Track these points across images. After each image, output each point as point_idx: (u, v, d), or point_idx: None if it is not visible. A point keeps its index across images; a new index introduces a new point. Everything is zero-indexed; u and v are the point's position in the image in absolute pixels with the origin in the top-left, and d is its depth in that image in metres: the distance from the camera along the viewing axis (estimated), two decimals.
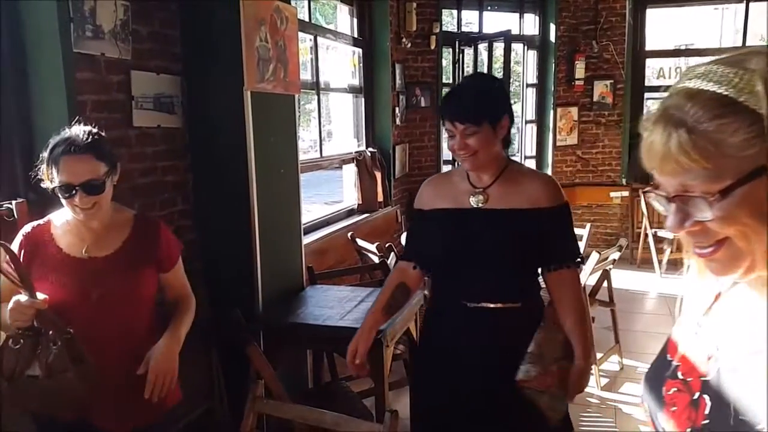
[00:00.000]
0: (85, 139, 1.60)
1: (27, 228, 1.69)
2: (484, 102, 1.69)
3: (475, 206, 1.73)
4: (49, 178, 1.59)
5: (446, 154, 6.25)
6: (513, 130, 1.82)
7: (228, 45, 2.55)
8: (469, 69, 5.85)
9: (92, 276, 1.64)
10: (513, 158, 1.92)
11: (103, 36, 2.21)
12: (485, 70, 5.69)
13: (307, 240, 3.50)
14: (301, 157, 3.29)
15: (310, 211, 5.41)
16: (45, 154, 1.60)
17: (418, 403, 1.95)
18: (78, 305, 1.61)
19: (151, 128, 2.52)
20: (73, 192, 1.56)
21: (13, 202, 1.97)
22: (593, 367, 3.57)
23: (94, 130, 1.67)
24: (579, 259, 1.79)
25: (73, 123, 1.68)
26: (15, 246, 1.63)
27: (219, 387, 2.72)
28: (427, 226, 1.83)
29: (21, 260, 1.57)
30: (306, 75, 4.04)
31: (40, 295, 1.51)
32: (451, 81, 5.93)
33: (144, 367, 1.64)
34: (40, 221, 1.71)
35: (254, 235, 2.69)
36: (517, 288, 1.75)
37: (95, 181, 1.58)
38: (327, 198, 9.59)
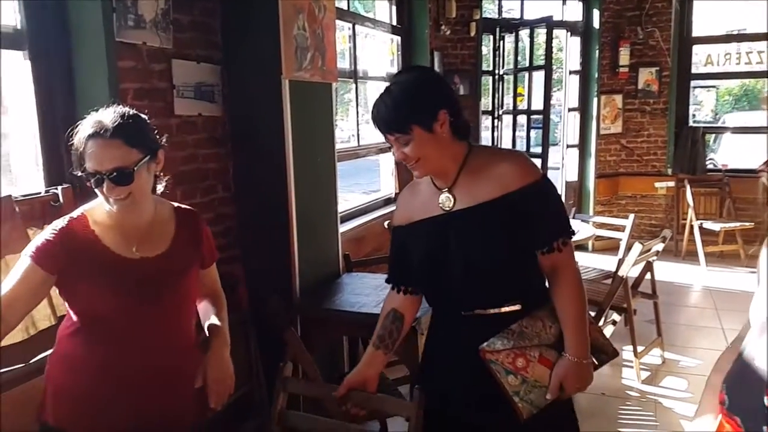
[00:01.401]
0: (114, 122, 1.42)
1: (61, 223, 1.50)
2: (405, 105, 1.48)
3: (444, 211, 1.57)
4: (79, 163, 1.44)
5: (486, 141, 6.19)
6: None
7: (266, 34, 2.57)
8: (509, 57, 5.76)
9: (145, 278, 1.50)
10: (478, 144, 1.71)
11: (145, 25, 2.25)
12: (527, 58, 5.60)
13: (344, 228, 3.52)
14: (340, 146, 3.30)
15: (348, 200, 5.43)
16: (73, 137, 1.45)
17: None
18: (128, 310, 1.49)
19: (192, 116, 2.56)
20: (101, 181, 1.41)
21: (59, 187, 2.03)
22: (634, 360, 3.50)
23: (130, 112, 1.49)
24: (566, 237, 1.56)
25: (108, 105, 1.52)
26: (54, 237, 1.46)
27: (257, 371, 2.78)
28: (405, 243, 1.66)
29: (59, 258, 1.44)
30: (344, 64, 4.04)
31: None
32: (491, 68, 5.85)
33: (201, 380, 1.58)
34: (73, 214, 1.53)
35: (291, 223, 2.72)
36: (514, 289, 1.57)
37: (124, 170, 1.40)
38: (366, 187, 9.60)
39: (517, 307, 1.56)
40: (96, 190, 1.45)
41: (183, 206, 1.69)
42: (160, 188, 1.60)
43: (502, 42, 5.80)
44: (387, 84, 1.57)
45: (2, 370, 1.74)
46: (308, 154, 2.81)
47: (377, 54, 4.89)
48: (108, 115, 1.44)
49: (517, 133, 5.86)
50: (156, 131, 1.56)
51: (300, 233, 2.77)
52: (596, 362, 1.60)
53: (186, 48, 2.50)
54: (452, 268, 1.54)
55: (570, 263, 1.58)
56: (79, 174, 1.44)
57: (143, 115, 1.53)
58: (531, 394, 1.51)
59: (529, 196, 1.50)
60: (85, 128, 1.43)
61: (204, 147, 2.66)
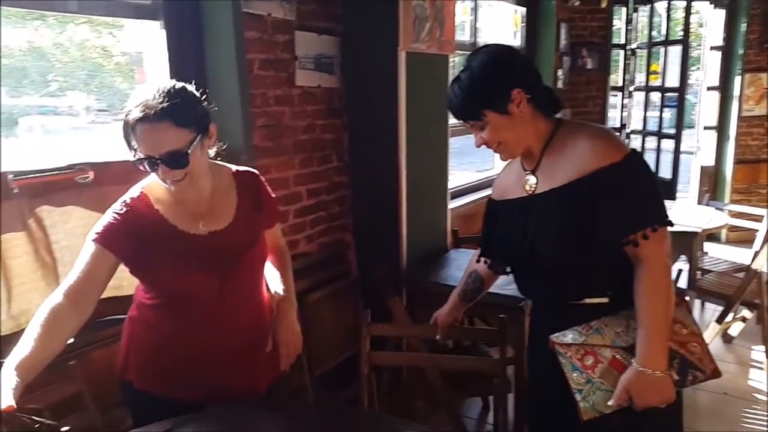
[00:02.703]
0: (160, 102, 1.33)
1: (123, 204, 1.47)
2: (474, 90, 1.41)
3: (528, 193, 1.49)
4: (131, 147, 1.39)
5: (613, 120, 5.86)
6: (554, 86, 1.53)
7: (385, 4, 2.58)
8: (644, 30, 5.38)
9: (217, 252, 1.50)
10: (571, 120, 1.55)
11: None
12: (663, 32, 5.20)
13: (454, 204, 3.51)
14: (454, 120, 3.27)
15: (460, 178, 5.38)
16: (122, 120, 1.37)
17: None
18: (205, 286, 1.49)
19: (312, 88, 2.64)
20: (156, 165, 1.37)
21: (87, 162, 2.08)
22: (764, 361, 3.22)
23: (177, 87, 1.39)
24: (654, 226, 1.36)
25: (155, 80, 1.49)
26: (118, 218, 1.44)
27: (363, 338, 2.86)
28: (494, 219, 1.62)
29: (127, 241, 1.43)
30: (464, 36, 3.98)
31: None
32: (622, 42, 5.50)
33: (271, 343, 1.61)
34: (132, 194, 1.49)
35: (401, 195, 2.75)
36: (597, 281, 1.45)
37: (178, 152, 1.35)
38: (479, 166, 9.46)
39: (602, 300, 1.44)
40: (152, 173, 1.41)
41: (241, 169, 1.64)
42: (212, 152, 1.53)
43: (635, 14, 5.42)
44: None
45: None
46: (421, 127, 2.82)
47: (500, 26, 4.76)
48: (154, 95, 1.35)
49: (648, 113, 5.49)
50: (206, 102, 1.47)
51: (409, 205, 2.79)
52: (676, 377, 1.38)
53: (308, 19, 2.57)
54: (522, 255, 1.48)
55: (655, 258, 1.37)
56: (133, 158, 1.39)
57: (190, 88, 1.43)
58: (594, 395, 1.40)
59: (606, 179, 1.35)
60: (132, 110, 1.35)
61: (321, 118, 2.74)
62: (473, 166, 9.80)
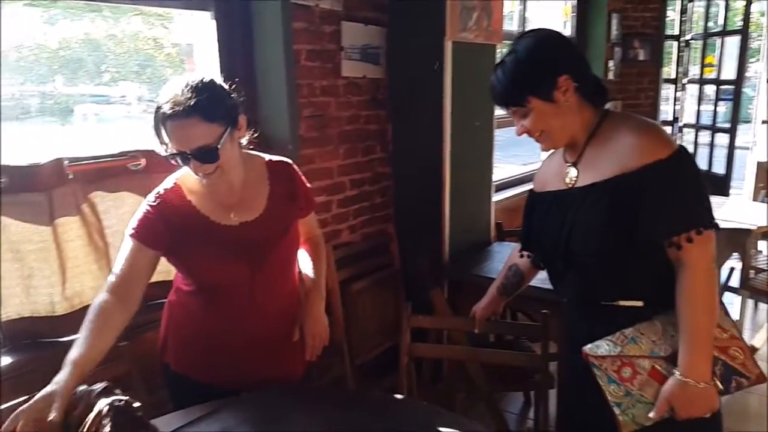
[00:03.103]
0: (188, 98, 1.34)
1: (156, 195, 1.50)
2: (519, 75, 1.34)
3: (567, 186, 1.43)
4: (161, 143, 1.41)
5: (665, 113, 5.69)
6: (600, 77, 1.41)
7: None
8: (699, 21, 5.19)
9: (248, 242, 1.52)
10: (618, 111, 1.48)
11: None
12: (720, 23, 5.01)
13: (499, 197, 3.47)
14: (500, 111, 3.22)
15: (505, 170, 5.31)
16: (152, 116, 1.40)
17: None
18: (236, 276, 1.52)
19: (357, 78, 2.65)
20: (187, 159, 1.39)
21: (140, 150, 2.12)
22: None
23: (205, 80, 1.39)
24: (698, 229, 1.28)
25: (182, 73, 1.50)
26: (152, 211, 1.48)
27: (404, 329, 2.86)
28: (534, 210, 1.57)
29: (161, 232, 1.47)
30: (512, 26, 3.92)
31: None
32: (676, 33, 5.32)
33: (297, 333, 1.63)
34: (166, 185, 1.52)
35: (444, 186, 2.73)
36: (636, 282, 1.37)
37: (208, 148, 1.37)
38: (525, 159, 9.32)
39: (637, 304, 1.37)
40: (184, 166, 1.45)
41: (275, 158, 1.64)
42: (244, 141, 1.53)
43: (690, 4, 5.23)
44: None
45: None
46: (466, 118, 2.79)
47: (549, 16, 4.67)
48: (182, 90, 1.35)
49: (702, 106, 5.31)
50: (234, 94, 1.47)
51: (453, 197, 2.77)
52: (720, 386, 1.33)
53: (355, 10, 2.57)
54: (556, 250, 1.42)
55: (699, 262, 1.29)
56: (164, 153, 1.42)
57: (219, 81, 1.44)
58: (634, 408, 1.33)
59: (650, 176, 1.27)
60: (162, 106, 1.36)
61: (366, 108, 2.74)
62: (519, 159, 9.65)
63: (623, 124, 1.37)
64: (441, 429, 1.42)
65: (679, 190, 1.29)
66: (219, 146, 1.38)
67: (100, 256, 1.90)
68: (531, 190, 1.63)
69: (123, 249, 1.47)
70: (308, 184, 1.69)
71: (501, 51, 3.01)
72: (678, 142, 1.36)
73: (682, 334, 1.30)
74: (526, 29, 3.94)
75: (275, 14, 2.21)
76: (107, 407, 1.14)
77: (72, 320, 1.82)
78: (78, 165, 1.83)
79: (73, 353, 1.29)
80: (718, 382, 1.32)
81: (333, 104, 2.55)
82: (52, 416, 1.16)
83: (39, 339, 1.79)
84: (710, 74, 5.41)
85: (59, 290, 1.80)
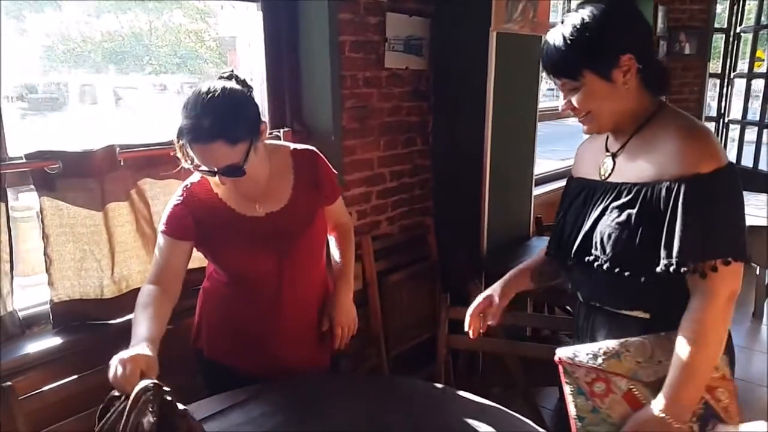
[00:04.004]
0: (211, 121, 1.33)
1: (184, 190, 1.54)
2: (579, 43, 1.19)
3: (602, 178, 1.32)
4: (186, 158, 1.44)
5: (711, 109, 5.54)
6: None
7: None
8: (751, 15, 5.03)
9: (275, 233, 1.54)
10: (673, 107, 1.29)
11: None
12: None
13: (538, 191, 3.43)
14: (541, 105, 3.18)
15: (543, 165, 5.25)
16: (175, 134, 1.40)
17: None
18: (263, 266, 1.55)
19: (400, 70, 2.64)
20: (214, 173, 1.41)
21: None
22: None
23: (226, 93, 1.38)
24: (726, 259, 1.14)
25: (201, 81, 1.43)
26: (180, 206, 1.52)
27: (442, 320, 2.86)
28: (565, 198, 1.45)
29: (191, 225, 1.50)
30: (555, 17, 3.85)
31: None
32: (725, 26, 5.17)
33: (327, 323, 1.66)
34: (193, 179, 1.55)
35: (485, 179, 2.71)
36: (646, 294, 1.24)
37: (234, 166, 1.39)
38: (563, 155, 9.18)
39: (644, 315, 1.26)
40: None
41: (299, 147, 1.64)
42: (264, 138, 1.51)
43: None
44: None
45: None
46: (509, 110, 2.76)
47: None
48: (202, 108, 1.34)
49: (749, 103, 5.15)
50: (253, 101, 1.46)
51: (492, 191, 2.75)
52: (695, 429, 1.19)
53: (399, 1, 2.56)
54: (572, 241, 1.32)
55: (718, 295, 1.15)
56: (189, 167, 1.44)
57: (237, 90, 1.42)
58: (597, 426, 1.24)
59: (685, 190, 1.14)
60: (183, 127, 1.36)
61: (407, 100, 2.74)
62: (556, 154, 9.52)
63: (673, 122, 1.22)
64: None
65: (716, 210, 1.15)
66: (245, 165, 1.40)
67: (147, 242, 1.94)
68: (570, 175, 1.52)
69: (158, 243, 1.53)
70: (334, 171, 1.69)
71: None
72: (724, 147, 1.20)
73: (676, 365, 1.17)
74: None
75: (322, 5, 2.23)
76: (148, 394, 1.12)
77: (119, 304, 1.87)
78: (128, 152, 1.87)
79: (142, 333, 1.33)
80: (695, 426, 1.19)
81: (375, 95, 2.56)
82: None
83: (87, 321, 1.84)
84: (759, 68, 5.24)
85: (108, 274, 1.85)
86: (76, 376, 1.58)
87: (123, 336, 1.37)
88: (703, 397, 1.19)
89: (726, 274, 1.14)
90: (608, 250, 1.23)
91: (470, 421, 1.42)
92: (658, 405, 1.17)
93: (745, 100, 5.17)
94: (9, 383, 1.45)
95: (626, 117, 1.27)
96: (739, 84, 5.31)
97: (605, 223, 1.24)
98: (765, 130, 4.96)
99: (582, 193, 1.36)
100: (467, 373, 2.54)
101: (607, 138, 1.35)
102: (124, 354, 1.21)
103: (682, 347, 1.16)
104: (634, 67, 1.20)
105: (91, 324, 1.84)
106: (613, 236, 1.22)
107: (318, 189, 1.63)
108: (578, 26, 1.20)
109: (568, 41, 1.20)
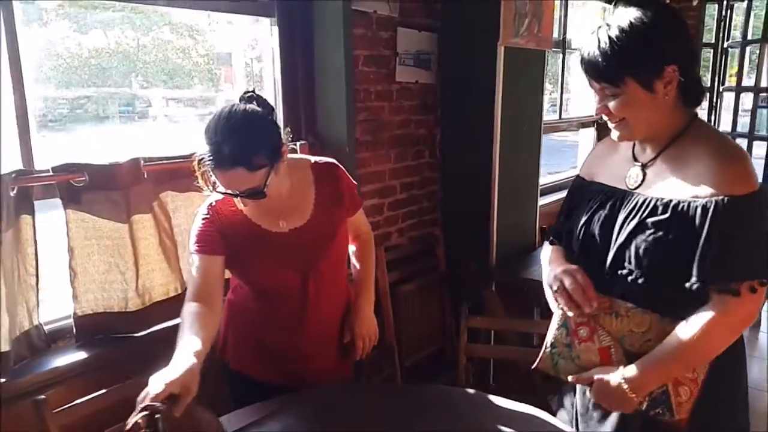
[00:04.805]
0: (230, 151, 1.33)
1: (211, 208, 1.55)
2: (625, 49, 1.16)
3: (629, 187, 1.30)
4: (207, 183, 1.46)
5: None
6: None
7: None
8: (737, 29, 5.16)
9: (299, 248, 1.56)
10: (704, 121, 1.29)
11: None
12: (761, 29, 4.97)
13: (541, 201, 3.47)
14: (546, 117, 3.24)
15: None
16: (196, 159, 1.41)
17: None
18: (288, 280, 1.56)
19: (410, 83, 2.69)
20: (236, 195, 1.44)
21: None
22: None
23: (248, 117, 1.39)
24: (762, 279, 1.16)
25: (223, 105, 1.44)
26: (207, 223, 1.53)
27: (451, 329, 2.88)
28: (578, 198, 1.43)
29: (219, 241, 1.52)
30: (554, 33, 3.92)
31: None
32: (713, 41, 5.30)
33: (348, 335, 1.69)
34: (217, 196, 1.54)
35: (493, 190, 2.75)
36: (680, 305, 1.22)
37: (254, 190, 1.40)
38: (550, 168, 9.31)
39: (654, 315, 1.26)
40: None
41: (320, 161, 1.64)
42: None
43: (729, 11, 5.20)
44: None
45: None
46: (515, 123, 2.81)
47: (587, 23, 4.66)
48: (223, 135, 1.35)
49: (739, 115, 5.27)
50: (274, 122, 1.46)
51: (501, 201, 2.79)
52: (643, 405, 1.24)
53: (409, 16, 2.61)
54: (602, 254, 1.30)
55: (735, 314, 1.18)
56: (210, 191, 1.48)
57: (260, 114, 1.42)
58: (564, 360, 1.32)
59: (720, 210, 1.14)
60: (205, 152, 1.37)
61: (416, 113, 2.78)
62: (545, 168, 9.61)
63: (710, 140, 1.22)
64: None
65: (747, 234, 1.16)
66: (265, 189, 1.41)
67: (168, 255, 1.94)
68: (578, 176, 1.50)
69: (192, 264, 1.53)
70: (354, 182, 1.70)
71: (548, 55, 3.03)
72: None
73: (662, 353, 1.20)
74: (567, 36, 3.98)
75: (337, 20, 2.26)
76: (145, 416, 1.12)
77: (143, 316, 1.87)
78: (151, 165, 1.88)
79: (189, 348, 1.30)
80: (645, 402, 1.24)
81: (386, 109, 2.59)
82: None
83: (111, 334, 1.84)
84: (731, 82, 5.38)
85: (133, 286, 1.85)
86: (104, 390, 1.57)
87: (149, 349, 1.35)
88: (666, 385, 1.23)
89: (748, 298, 1.16)
90: (644, 264, 1.22)
91: (507, 428, 1.44)
92: (627, 372, 1.22)
93: (734, 113, 5.29)
94: (43, 396, 1.44)
95: (660, 128, 1.26)
96: (728, 97, 5.44)
97: (641, 238, 1.22)
98: (755, 142, 5.07)
99: (607, 202, 1.33)
100: (479, 382, 2.56)
101: (634, 146, 1.34)
102: (158, 377, 1.19)
103: (679, 335, 1.19)
104: (676, 79, 1.19)
105: (116, 337, 1.84)
106: (649, 252, 1.21)
107: (339, 201, 1.64)
108: (626, 31, 1.17)
109: (615, 46, 1.17)
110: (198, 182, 1.48)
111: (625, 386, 1.21)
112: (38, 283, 1.72)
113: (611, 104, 1.23)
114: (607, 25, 1.20)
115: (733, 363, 1.29)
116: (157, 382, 1.17)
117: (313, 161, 1.64)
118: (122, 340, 1.84)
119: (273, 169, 1.41)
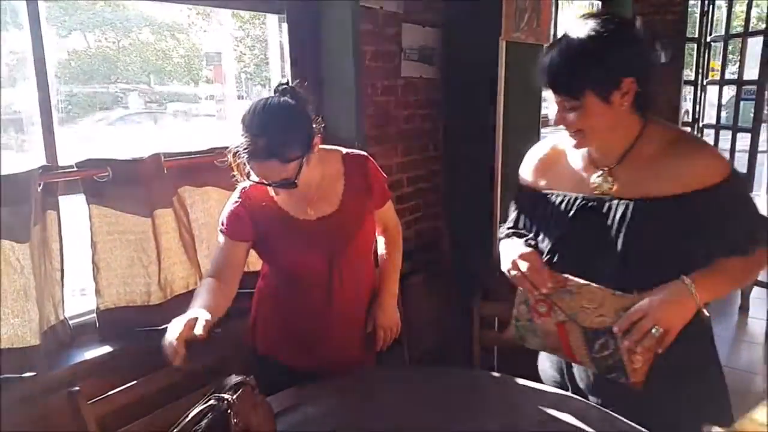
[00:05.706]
0: (264, 144, 1.38)
1: (240, 193, 1.60)
2: (584, 63, 1.19)
3: (601, 193, 1.33)
4: (242, 174, 1.49)
5: (685, 115, 5.78)
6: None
7: None
8: (719, 23, 5.29)
9: (327, 235, 1.59)
10: (656, 119, 1.33)
11: None
12: (742, 25, 5.10)
13: None
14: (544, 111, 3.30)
15: None
16: (232, 151, 1.45)
17: None
18: (315, 267, 1.59)
19: (415, 78, 2.74)
20: (269, 184, 1.49)
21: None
22: None
23: (282, 111, 1.42)
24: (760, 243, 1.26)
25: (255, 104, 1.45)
26: (239, 206, 1.57)
27: (456, 320, 2.93)
28: (539, 209, 1.45)
29: (248, 225, 1.57)
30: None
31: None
32: (696, 36, 5.42)
33: (371, 325, 1.72)
34: (247, 183, 1.57)
35: (496, 183, 2.80)
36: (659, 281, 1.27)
37: (287, 180, 1.44)
38: None
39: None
40: None
41: (352, 152, 1.68)
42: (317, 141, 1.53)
43: (711, 6, 5.33)
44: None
45: None
46: (515, 117, 2.86)
47: (574, 17, 4.76)
48: (258, 128, 1.39)
49: (722, 109, 5.40)
50: (308, 114, 1.48)
51: (504, 195, 2.84)
52: (605, 369, 1.31)
53: (414, 12, 2.66)
54: (600, 259, 1.31)
55: (756, 263, 1.30)
56: (244, 182, 1.52)
57: (293, 106, 1.45)
58: (526, 333, 1.44)
59: (716, 197, 1.21)
60: (240, 145, 1.41)
61: (421, 108, 2.83)
62: None
63: (671, 141, 1.27)
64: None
65: (748, 207, 1.27)
66: (297, 180, 1.45)
67: (187, 248, 1.97)
68: (524, 185, 1.52)
69: (218, 241, 1.60)
70: (384, 175, 1.74)
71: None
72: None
73: (710, 270, 1.25)
74: (558, 32, 4.05)
75: (345, 16, 2.30)
76: (205, 409, 1.15)
77: (166, 309, 1.89)
78: (171, 160, 1.90)
79: (197, 304, 1.39)
80: (598, 344, 1.30)
81: (392, 103, 2.64)
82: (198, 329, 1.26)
83: (135, 328, 1.85)
84: (714, 77, 5.50)
85: (155, 280, 1.87)
86: (139, 379, 1.59)
87: None
88: (621, 355, 1.26)
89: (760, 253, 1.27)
90: (652, 265, 1.26)
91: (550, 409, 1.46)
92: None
93: (718, 106, 5.42)
94: (77, 388, 1.46)
95: (617, 135, 1.30)
96: (712, 90, 5.56)
97: (644, 240, 1.26)
98: (738, 134, 5.20)
99: (576, 212, 1.35)
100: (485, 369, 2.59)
101: (588, 154, 1.36)
102: (177, 320, 1.29)
103: (735, 263, 1.26)
104: (633, 90, 1.22)
105: (139, 330, 1.85)
106: (650, 251, 1.26)
107: (368, 193, 1.67)
108: (585, 45, 1.19)
109: (574, 60, 1.20)
110: (234, 174, 1.51)
111: (687, 281, 1.21)
112: (63, 278, 1.74)
113: (570, 116, 1.26)
114: (568, 38, 1.22)
115: (693, 337, 1.31)
116: (175, 326, 1.27)
117: (344, 152, 1.67)
118: (145, 333, 1.86)
119: (305, 160, 1.45)
